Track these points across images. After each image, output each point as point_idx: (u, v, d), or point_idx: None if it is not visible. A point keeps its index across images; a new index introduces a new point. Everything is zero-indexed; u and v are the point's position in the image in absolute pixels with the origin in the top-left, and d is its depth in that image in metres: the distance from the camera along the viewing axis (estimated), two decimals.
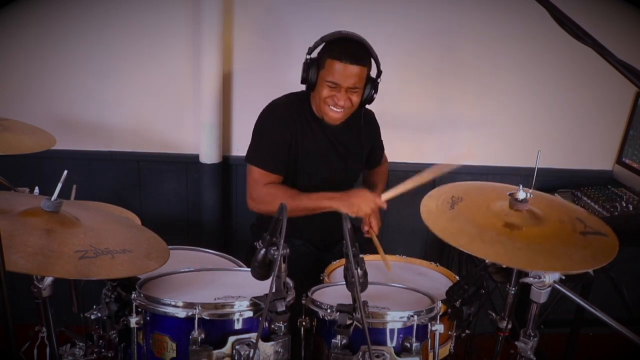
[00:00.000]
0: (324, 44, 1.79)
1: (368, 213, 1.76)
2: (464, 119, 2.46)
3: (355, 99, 1.80)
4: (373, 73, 1.84)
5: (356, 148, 1.99)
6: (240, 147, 2.41)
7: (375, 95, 1.85)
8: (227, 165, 2.42)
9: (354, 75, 1.74)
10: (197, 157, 2.37)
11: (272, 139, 1.85)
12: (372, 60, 1.81)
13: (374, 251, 1.87)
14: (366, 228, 1.90)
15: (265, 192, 1.82)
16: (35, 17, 2.16)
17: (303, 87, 1.95)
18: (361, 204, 1.73)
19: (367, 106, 2.04)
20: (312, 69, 1.78)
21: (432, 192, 1.50)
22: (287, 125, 1.85)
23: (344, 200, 1.74)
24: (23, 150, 1.65)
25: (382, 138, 2.15)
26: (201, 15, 2.15)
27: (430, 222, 1.34)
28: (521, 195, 1.34)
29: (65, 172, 1.24)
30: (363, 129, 1.97)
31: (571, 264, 1.19)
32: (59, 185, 1.22)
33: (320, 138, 1.91)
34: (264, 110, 1.89)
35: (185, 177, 2.44)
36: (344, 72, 1.72)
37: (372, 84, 1.82)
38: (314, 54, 1.81)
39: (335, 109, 1.79)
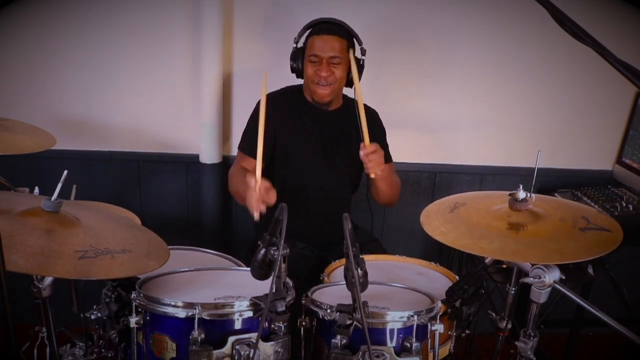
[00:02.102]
0: (302, 31, 1.89)
1: (252, 210, 1.63)
2: (463, 118, 2.46)
3: (339, 72, 1.86)
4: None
5: (353, 144, 1.96)
6: None
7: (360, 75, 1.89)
8: (227, 165, 2.42)
9: (333, 47, 1.82)
10: (197, 157, 2.37)
11: (249, 128, 1.95)
12: (355, 41, 1.89)
13: (375, 251, 1.88)
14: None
15: (231, 171, 1.95)
16: (35, 17, 2.17)
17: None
18: (249, 204, 1.63)
19: (371, 107, 2.05)
20: (299, 56, 1.88)
21: (434, 203, 1.53)
22: (272, 116, 1.87)
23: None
24: (23, 150, 1.65)
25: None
26: (201, 15, 2.15)
27: (429, 227, 1.37)
28: (521, 195, 1.34)
29: (65, 172, 1.24)
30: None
31: (561, 256, 1.20)
32: (59, 185, 1.22)
33: (311, 130, 1.94)
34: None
35: (185, 177, 2.44)
36: (323, 44, 1.82)
37: (356, 61, 1.87)
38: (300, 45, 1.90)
39: (321, 83, 1.85)
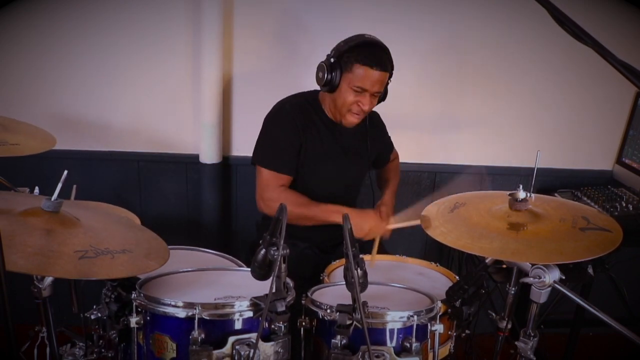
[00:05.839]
0: (347, 47, 1.74)
1: (372, 238, 1.76)
2: (464, 119, 2.46)
3: (374, 103, 1.84)
4: None
5: (363, 151, 2.00)
6: (240, 147, 2.41)
7: (383, 100, 1.90)
8: (227, 165, 2.42)
9: (381, 82, 1.77)
10: (197, 157, 2.37)
11: (280, 140, 1.85)
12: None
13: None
14: None
15: (277, 195, 1.80)
16: (35, 17, 2.17)
17: (303, 88, 1.96)
18: (371, 230, 1.74)
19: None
20: (336, 72, 1.75)
21: (434, 203, 1.54)
22: (295, 126, 1.84)
23: (354, 221, 1.71)
24: (24, 152, 1.64)
25: None
26: (201, 15, 2.15)
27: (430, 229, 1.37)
28: (521, 194, 1.34)
29: (65, 172, 1.24)
30: (370, 132, 1.98)
31: (561, 256, 1.20)
32: (59, 185, 1.22)
33: (328, 139, 1.91)
34: (271, 111, 1.89)
35: (185, 177, 2.44)
36: (373, 78, 1.73)
37: (385, 88, 1.86)
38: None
39: (357, 113, 1.81)
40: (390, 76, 1.84)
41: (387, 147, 2.16)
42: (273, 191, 1.82)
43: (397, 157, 2.25)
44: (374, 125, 2.04)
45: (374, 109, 2.07)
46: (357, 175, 2.07)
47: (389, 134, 2.17)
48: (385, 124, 2.14)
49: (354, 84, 1.74)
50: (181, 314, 1.22)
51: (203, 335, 1.20)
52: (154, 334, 1.26)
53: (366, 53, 1.73)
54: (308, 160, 1.89)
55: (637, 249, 2.00)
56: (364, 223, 1.74)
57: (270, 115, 1.88)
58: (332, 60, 1.76)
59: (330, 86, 1.78)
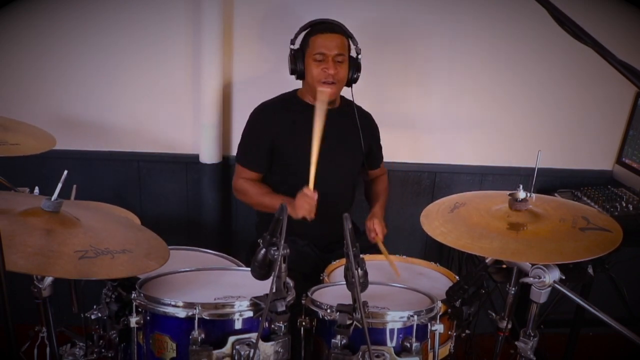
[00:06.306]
0: (303, 33, 1.90)
1: (304, 214, 1.77)
2: (463, 118, 2.46)
3: (343, 71, 1.88)
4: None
5: (354, 142, 2.00)
6: None
7: (359, 74, 1.93)
8: (227, 165, 2.42)
9: (337, 44, 1.84)
10: (197, 157, 2.37)
11: (251, 140, 1.98)
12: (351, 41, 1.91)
13: (374, 251, 1.88)
14: (372, 235, 1.92)
15: (239, 185, 1.99)
16: (35, 17, 2.17)
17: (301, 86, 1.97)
18: (299, 207, 1.76)
19: (365, 109, 2.06)
20: (299, 57, 1.89)
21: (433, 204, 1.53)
22: (269, 126, 1.94)
23: (291, 203, 1.78)
24: (24, 152, 1.65)
25: (382, 138, 2.16)
26: (201, 15, 2.15)
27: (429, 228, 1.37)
28: (521, 194, 1.34)
29: (65, 172, 1.24)
30: (361, 122, 1.99)
31: (561, 256, 1.20)
32: (59, 185, 1.22)
33: (310, 133, 1.92)
34: (251, 112, 1.99)
35: (185, 177, 2.44)
36: (328, 42, 1.84)
37: (354, 62, 1.92)
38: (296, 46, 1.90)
39: (328, 81, 1.86)
40: (353, 44, 1.90)
41: (378, 149, 2.16)
42: (237, 181, 1.99)
43: (385, 172, 2.25)
44: (364, 119, 2.05)
45: (366, 110, 2.08)
46: (350, 165, 2.06)
47: (388, 135, 2.16)
48: (386, 123, 2.13)
49: (313, 54, 1.84)
50: (181, 313, 1.22)
51: (203, 335, 1.20)
52: (154, 334, 1.26)
53: (316, 26, 1.88)
54: (288, 154, 1.94)
55: (637, 249, 2.00)
56: (295, 201, 1.78)
57: (249, 116, 2.00)
58: (293, 49, 1.89)
59: (300, 72, 1.90)
